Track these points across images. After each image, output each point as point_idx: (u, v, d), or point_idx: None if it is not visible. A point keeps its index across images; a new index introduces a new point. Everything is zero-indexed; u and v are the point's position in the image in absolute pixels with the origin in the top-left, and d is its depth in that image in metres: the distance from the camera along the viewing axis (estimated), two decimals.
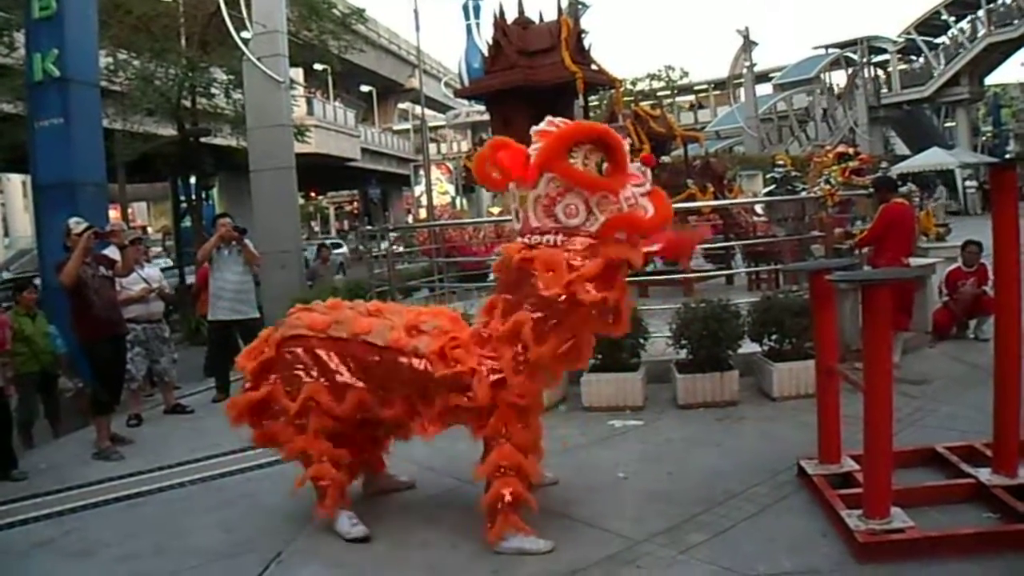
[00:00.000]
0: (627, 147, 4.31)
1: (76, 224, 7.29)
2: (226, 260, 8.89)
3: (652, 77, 56.17)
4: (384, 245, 13.83)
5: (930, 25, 46.17)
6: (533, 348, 4.27)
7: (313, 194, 58.30)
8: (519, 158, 4.26)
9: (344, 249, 30.97)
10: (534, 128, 4.34)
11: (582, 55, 11.18)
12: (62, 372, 8.49)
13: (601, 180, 4.19)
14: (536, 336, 4.27)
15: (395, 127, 61.25)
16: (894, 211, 7.86)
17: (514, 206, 4.49)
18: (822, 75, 49.35)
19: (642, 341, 7.30)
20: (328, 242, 24.30)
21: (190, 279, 14.22)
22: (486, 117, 14.79)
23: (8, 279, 16.96)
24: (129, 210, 30.34)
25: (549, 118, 4.37)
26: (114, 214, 18.73)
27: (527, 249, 4.33)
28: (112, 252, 7.82)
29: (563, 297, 4.18)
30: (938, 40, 46.57)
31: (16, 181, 43.67)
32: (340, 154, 40.31)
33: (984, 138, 50.04)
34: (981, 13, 42.51)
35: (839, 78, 50.75)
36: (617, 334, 4.75)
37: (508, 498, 4.34)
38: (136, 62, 16.44)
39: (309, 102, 36.49)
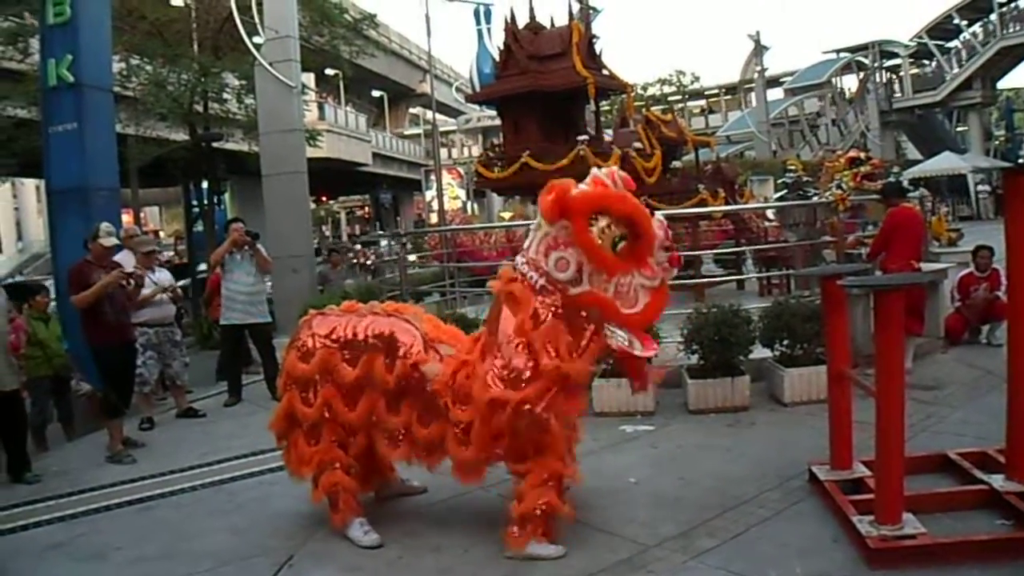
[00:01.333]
0: (659, 239, 4.21)
1: (107, 235, 7.25)
2: (238, 265, 8.93)
3: (663, 82, 56.16)
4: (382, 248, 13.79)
5: (942, 29, 45.99)
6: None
7: (324, 199, 58.42)
8: (562, 194, 4.15)
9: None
10: (595, 171, 4.31)
11: (593, 60, 11.18)
12: (75, 374, 8.54)
13: (602, 255, 4.12)
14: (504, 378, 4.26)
15: (406, 132, 61.32)
16: (898, 215, 7.84)
17: (532, 225, 4.47)
18: (833, 80, 49.26)
19: None
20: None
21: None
22: (497, 122, 14.78)
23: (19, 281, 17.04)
24: (142, 215, 30.51)
25: (613, 170, 4.34)
26: (127, 219, 18.82)
27: (514, 281, 4.33)
28: (124, 258, 7.86)
29: (517, 345, 4.21)
30: (950, 44, 46.38)
31: (30, 186, 43.97)
32: (351, 159, 40.41)
33: (996, 142, 49.73)
34: (994, 17, 42.34)
35: (850, 82, 50.65)
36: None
37: (543, 508, 4.31)
38: (149, 67, 16.54)
39: (321, 107, 36.65)
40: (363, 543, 4.67)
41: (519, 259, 4.38)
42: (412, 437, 4.60)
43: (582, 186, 4.21)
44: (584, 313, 4.24)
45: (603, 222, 4.12)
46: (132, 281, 7.48)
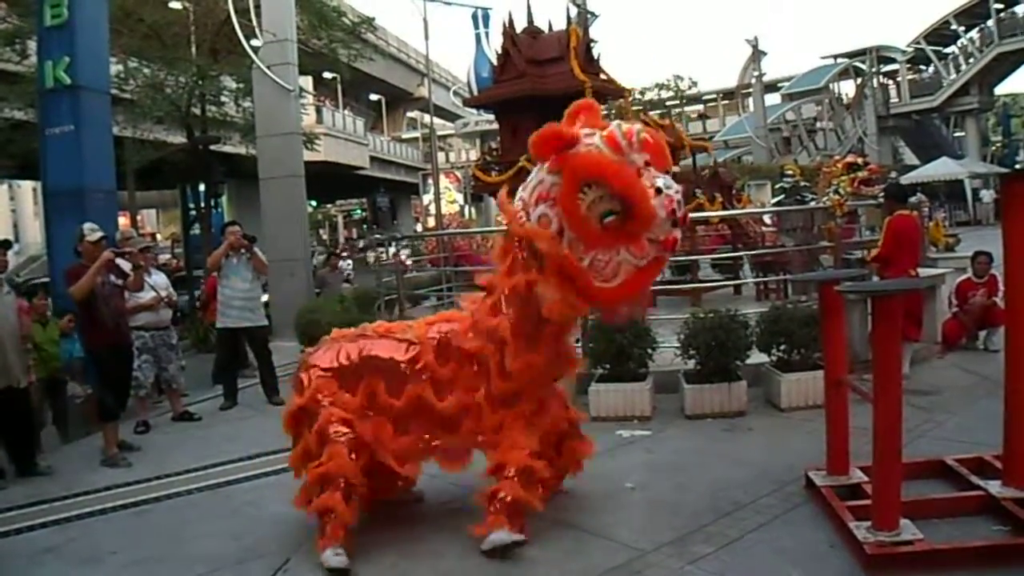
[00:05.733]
0: (658, 219, 3.96)
1: (91, 231, 7.27)
2: (235, 268, 8.91)
3: (661, 86, 56.07)
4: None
5: (939, 34, 46.14)
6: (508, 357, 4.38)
7: (327, 206, 58.45)
8: (556, 138, 4.11)
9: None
10: (612, 127, 4.08)
11: (591, 64, 11.20)
12: (71, 378, 8.52)
13: (583, 228, 3.98)
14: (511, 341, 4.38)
15: (404, 136, 61.28)
16: (899, 224, 7.83)
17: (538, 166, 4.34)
18: (831, 85, 49.34)
19: (650, 351, 7.30)
20: None
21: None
22: (495, 126, 14.81)
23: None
24: (138, 217, 30.45)
25: (632, 129, 4.04)
26: (123, 221, 18.80)
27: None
28: (122, 260, 7.84)
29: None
30: (947, 50, 46.53)
31: (27, 188, 43.98)
32: (349, 162, 40.39)
33: (994, 148, 49.87)
34: (991, 23, 42.47)
35: (848, 88, 50.75)
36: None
37: (504, 500, 4.35)
38: (147, 70, 16.52)
39: (318, 110, 36.58)
40: (330, 564, 4.39)
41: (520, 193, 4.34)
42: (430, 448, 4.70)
43: (594, 140, 4.01)
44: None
45: (587, 197, 3.94)
46: (127, 259, 7.51)
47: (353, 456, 4.51)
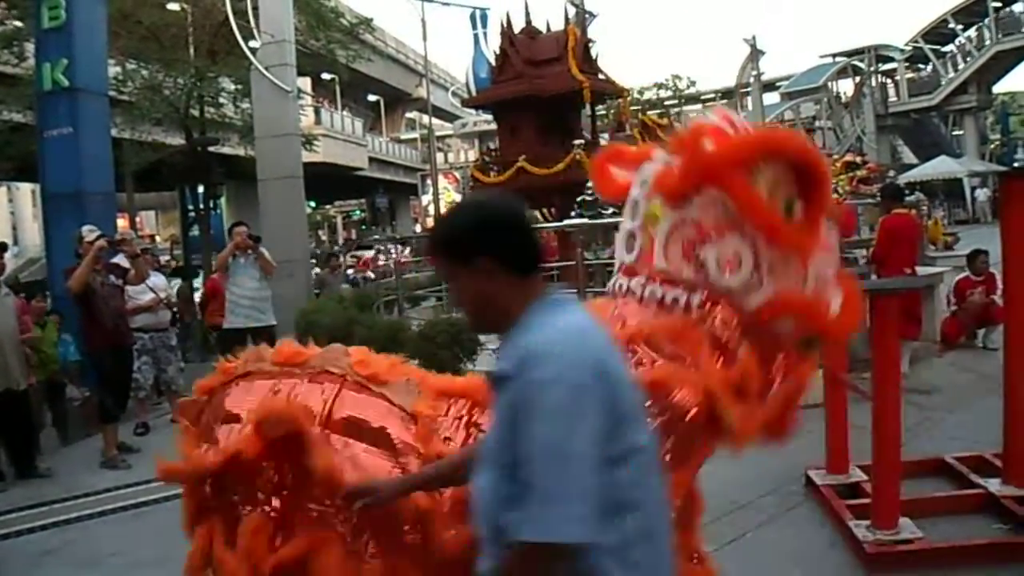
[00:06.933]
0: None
1: (89, 232, 7.31)
2: (242, 268, 8.86)
3: (659, 86, 56.11)
4: None
5: (938, 33, 46.09)
6: None
7: (327, 207, 58.43)
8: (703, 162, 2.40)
9: None
10: (708, 117, 2.60)
11: (589, 64, 11.21)
12: (69, 380, 8.52)
13: (792, 231, 2.38)
14: None
15: (402, 136, 61.31)
16: (892, 224, 7.83)
17: (631, 224, 2.67)
18: (829, 84, 49.34)
19: None
20: None
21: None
22: (493, 126, 14.81)
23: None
24: (137, 219, 30.46)
25: (727, 112, 2.65)
26: (122, 223, 18.79)
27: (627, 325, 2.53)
28: (121, 260, 7.85)
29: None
30: (946, 48, 46.47)
31: (25, 190, 43.88)
32: (348, 163, 40.38)
33: (992, 146, 49.86)
34: (988, 21, 42.45)
35: (846, 87, 50.74)
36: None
37: None
38: (145, 72, 16.52)
39: (317, 111, 36.57)
40: None
41: (620, 281, 2.66)
42: None
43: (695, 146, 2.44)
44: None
45: (760, 186, 2.36)
46: (124, 251, 7.54)
47: None
